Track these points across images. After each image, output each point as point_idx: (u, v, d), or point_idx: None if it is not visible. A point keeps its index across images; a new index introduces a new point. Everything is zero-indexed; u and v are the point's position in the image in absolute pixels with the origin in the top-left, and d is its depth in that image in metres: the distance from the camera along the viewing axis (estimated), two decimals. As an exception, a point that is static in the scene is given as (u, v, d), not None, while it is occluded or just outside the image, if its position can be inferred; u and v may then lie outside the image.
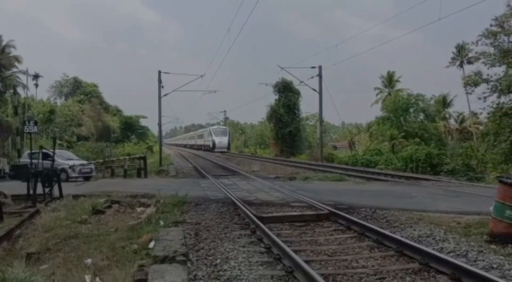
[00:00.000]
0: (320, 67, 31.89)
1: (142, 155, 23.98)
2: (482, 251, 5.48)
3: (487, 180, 18.15)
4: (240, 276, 4.72)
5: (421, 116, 44.26)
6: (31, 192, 11.62)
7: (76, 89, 59.10)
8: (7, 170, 20.74)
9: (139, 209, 9.66)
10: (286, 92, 44.00)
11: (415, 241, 6.02)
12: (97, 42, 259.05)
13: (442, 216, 8.05)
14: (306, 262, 4.92)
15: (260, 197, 11.17)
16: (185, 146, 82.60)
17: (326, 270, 4.97)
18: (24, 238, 8.22)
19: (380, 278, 4.65)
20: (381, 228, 6.85)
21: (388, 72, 52.70)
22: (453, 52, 47.56)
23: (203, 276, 4.74)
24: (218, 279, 4.66)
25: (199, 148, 62.87)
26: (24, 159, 19.42)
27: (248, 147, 65.61)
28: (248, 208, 8.68)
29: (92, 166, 21.14)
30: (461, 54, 45.95)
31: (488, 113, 24.44)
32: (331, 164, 30.16)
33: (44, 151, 13.97)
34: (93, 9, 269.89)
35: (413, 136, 38.44)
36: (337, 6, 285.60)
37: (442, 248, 5.74)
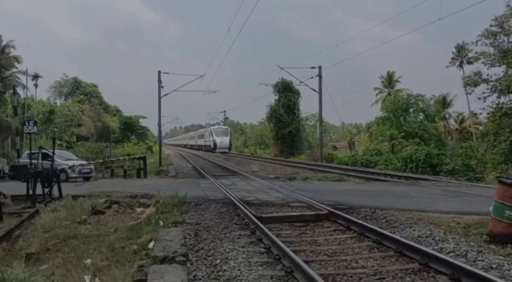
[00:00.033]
0: (319, 67, 31.94)
1: (142, 155, 23.96)
2: (481, 251, 5.48)
3: (486, 180, 18.15)
4: (239, 276, 4.72)
5: (421, 116, 44.24)
6: (31, 192, 11.61)
7: (76, 89, 59.05)
8: (6, 170, 20.74)
9: (138, 209, 9.66)
10: (286, 92, 44.01)
11: (414, 241, 6.02)
12: (97, 42, 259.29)
13: (441, 216, 8.05)
14: (306, 262, 4.92)
15: (259, 197, 11.17)
16: (185, 146, 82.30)
17: (326, 270, 4.97)
18: (23, 238, 8.22)
19: (379, 278, 4.65)
20: (380, 228, 6.85)
21: (388, 72, 52.80)
22: (453, 52, 47.70)
23: (202, 277, 4.74)
24: (218, 280, 4.66)
25: (200, 148, 62.46)
26: (24, 159, 19.43)
27: (247, 147, 65.57)
28: (248, 208, 8.68)
29: (92, 166, 21.14)
30: (461, 54, 46.01)
31: (488, 114, 24.46)
32: (331, 164, 30.16)
33: (43, 151, 13.98)
34: (93, 9, 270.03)
35: (413, 137, 38.43)
36: (337, 6, 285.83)
37: (441, 248, 5.75)
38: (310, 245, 6.23)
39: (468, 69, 37.53)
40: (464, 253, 5.44)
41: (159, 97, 31.31)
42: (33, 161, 13.25)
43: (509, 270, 4.73)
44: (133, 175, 22.00)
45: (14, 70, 41.20)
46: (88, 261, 5.97)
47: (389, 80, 51.91)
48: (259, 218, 7.56)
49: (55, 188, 12.16)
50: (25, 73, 41.51)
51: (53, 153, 13.36)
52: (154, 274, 4.50)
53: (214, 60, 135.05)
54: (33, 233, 8.42)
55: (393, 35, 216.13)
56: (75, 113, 49.79)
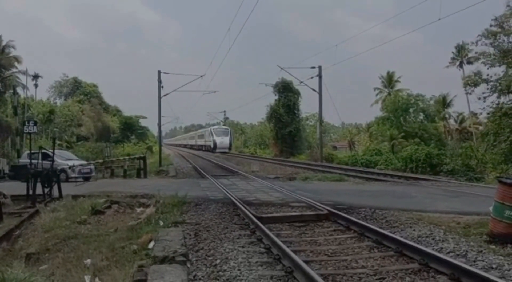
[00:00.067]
0: (319, 67, 31.95)
1: (142, 155, 23.96)
2: (481, 251, 5.48)
3: (486, 180, 18.15)
4: (239, 276, 4.72)
5: (421, 116, 44.25)
6: (31, 192, 11.61)
7: (76, 89, 59.05)
8: (6, 170, 20.75)
9: (138, 209, 9.66)
10: (286, 92, 44.01)
11: (414, 241, 6.02)
12: (97, 42, 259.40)
13: (441, 216, 8.05)
14: (306, 262, 4.93)
15: (259, 197, 11.17)
16: (185, 146, 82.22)
17: (326, 270, 4.97)
18: (23, 238, 8.22)
19: (379, 278, 4.65)
20: (380, 228, 6.85)
21: (388, 72, 52.81)
22: (453, 52, 47.71)
23: (202, 277, 4.74)
24: (218, 280, 4.66)
25: (200, 148, 62.31)
26: (24, 159, 19.43)
27: (247, 147, 65.56)
28: (248, 208, 8.68)
29: (92, 166, 21.14)
30: (461, 54, 46.00)
31: (488, 114, 24.46)
32: (331, 164, 30.16)
33: (43, 151, 13.97)
34: (93, 9, 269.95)
35: (413, 137, 38.43)
36: (337, 6, 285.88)
37: (441, 248, 5.75)
38: (310, 245, 6.23)
39: (468, 69, 37.59)
40: (464, 253, 5.44)
41: (159, 97, 31.33)
42: (33, 161, 13.25)
43: (509, 270, 4.73)
44: (133, 175, 22.00)
45: (14, 70, 41.22)
46: (88, 261, 5.97)
47: (389, 80, 51.91)
48: (259, 218, 7.56)
49: (55, 188, 12.15)
50: (25, 73, 41.56)
51: (53, 153, 13.36)
52: (154, 274, 4.50)
53: (214, 60, 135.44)
54: (33, 233, 8.42)
55: (393, 35, 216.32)
56: (75, 113, 49.79)
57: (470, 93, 26.42)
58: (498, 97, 23.30)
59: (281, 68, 33.37)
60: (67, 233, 7.74)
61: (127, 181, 18.52)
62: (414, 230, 6.91)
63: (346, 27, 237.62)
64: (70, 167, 18.65)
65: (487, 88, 23.51)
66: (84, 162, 21.56)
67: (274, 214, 8.58)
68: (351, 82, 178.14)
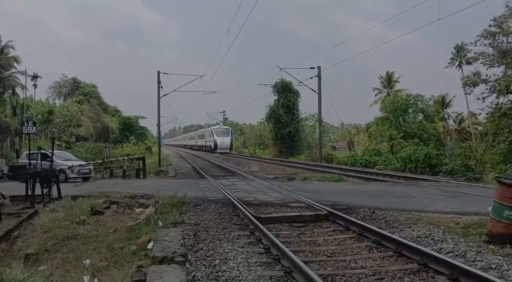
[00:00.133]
0: (319, 67, 31.96)
1: (141, 156, 23.95)
2: (480, 252, 5.48)
3: (485, 180, 18.16)
4: (239, 276, 4.72)
5: (420, 116, 44.27)
6: (30, 192, 11.60)
7: (75, 89, 58.99)
8: (5, 171, 20.74)
9: (138, 210, 9.65)
10: (285, 92, 44.03)
11: (413, 242, 6.02)
12: (96, 42, 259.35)
13: (440, 217, 8.05)
14: (305, 262, 4.92)
15: (259, 198, 11.17)
16: (184, 146, 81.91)
17: (325, 271, 4.97)
18: (22, 239, 8.21)
19: (379, 279, 4.65)
20: (380, 228, 6.86)
21: (387, 72, 52.78)
22: (452, 52, 47.69)
23: (201, 277, 4.74)
24: (217, 280, 4.66)
25: (200, 148, 61.97)
26: (23, 160, 19.41)
27: (247, 147, 65.55)
28: (247, 209, 8.68)
29: (91, 167, 21.12)
30: (460, 55, 46.01)
31: (487, 114, 24.50)
32: (330, 164, 30.15)
33: (42, 151, 13.97)
34: (93, 9, 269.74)
35: (412, 137, 38.47)
36: (337, 6, 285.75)
37: (440, 248, 5.75)
38: (309, 245, 6.23)
39: (467, 69, 37.58)
40: (463, 253, 5.45)
41: (158, 98, 31.30)
42: (32, 161, 13.23)
43: (508, 270, 4.73)
44: (132, 175, 21.97)
45: (13, 70, 41.18)
46: (87, 261, 5.96)
47: (388, 81, 51.93)
48: (258, 218, 7.56)
49: (54, 188, 12.14)
50: (24, 73, 41.51)
51: (52, 153, 13.34)
52: (153, 275, 4.50)
53: (214, 60, 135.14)
54: (32, 233, 8.41)
55: (393, 35, 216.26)
56: (74, 113, 49.75)
57: (469, 94, 26.48)
58: (497, 97, 23.38)
59: (281, 69, 33.41)
60: (66, 234, 7.73)
61: (126, 181, 18.51)
62: (413, 230, 6.91)
63: (346, 27, 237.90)
64: (69, 167, 18.63)
65: (486, 89, 23.59)
66: (83, 162, 21.55)
67: (273, 214, 8.57)
68: (350, 82, 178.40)
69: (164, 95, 31.99)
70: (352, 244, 6.28)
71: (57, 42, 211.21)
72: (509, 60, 22.50)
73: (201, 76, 31.78)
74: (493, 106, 23.39)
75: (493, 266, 4.91)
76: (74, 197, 11.37)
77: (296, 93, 44.64)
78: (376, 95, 53.47)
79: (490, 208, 6.37)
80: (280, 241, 5.82)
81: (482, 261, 5.10)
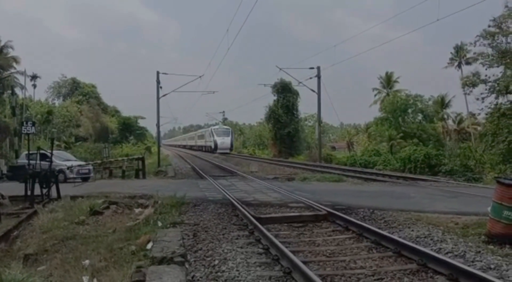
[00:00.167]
0: (318, 68, 31.97)
1: (140, 156, 23.94)
2: (480, 252, 5.49)
3: (485, 181, 18.17)
4: (238, 277, 4.72)
5: (420, 117, 44.34)
6: (29, 193, 11.58)
7: (75, 90, 58.94)
8: (5, 171, 20.71)
9: (137, 210, 9.64)
10: (285, 93, 44.04)
11: (413, 242, 6.02)
12: (96, 42, 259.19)
13: (440, 217, 8.05)
14: (304, 262, 4.92)
15: (258, 198, 11.16)
16: (184, 146, 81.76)
17: (324, 271, 4.97)
18: (21, 239, 8.20)
19: (378, 279, 4.65)
20: (379, 228, 6.86)
21: (387, 72, 52.80)
22: (451, 53, 47.71)
23: (201, 277, 4.74)
24: (216, 280, 4.66)
25: (200, 148, 61.73)
26: (22, 160, 19.39)
27: (246, 148, 65.53)
28: (246, 209, 8.68)
29: (90, 167, 21.11)
30: (459, 55, 46.01)
31: (486, 114, 24.53)
32: (330, 165, 30.18)
33: (42, 151, 13.94)
34: (92, 9, 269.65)
35: (412, 137, 38.52)
36: (337, 6, 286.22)
37: (440, 248, 5.75)
38: (309, 245, 6.23)
39: (467, 69, 37.63)
40: (462, 254, 5.45)
41: (158, 98, 31.29)
42: (31, 161, 13.22)
43: (507, 271, 4.74)
44: (131, 175, 21.96)
45: (12, 70, 41.17)
46: (86, 262, 5.96)
47: (388, 81, 51.95)
48: (257, 219, 7.56)
49: (53, 188, 12.12)
50: (23, 73, 41.53)
51: (51, 154, 13.33)
52: (152, 275, 4.50)
53: (213, 60, 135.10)
54: (31, 233, 8.40)
55: (392, 35, 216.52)
56: (73, 114, 49.74)
57: (469, 94, 26.44)
58: (496, 97, 23.39)
59: (280, 69, 33.41)
60: (65, 234, 7.72)
61: (125, 182, 18.49)
62: (412, 230, 6.92)
63: (345, 27, 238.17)
64: (68, 168, 18.62)
65: (486, 89, 23.61)
66: (82, 163, 21.54)
67: (273, 215, 8.57)
68: (350, 82, 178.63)
69: (164, 95, 32.03)
70: (351, 244, 6.28)
71: (57, 42, 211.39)
72: (508, 60, 22.52)
73: (200, 77, 31.79)
74: (492, 106, 23.41)
75: (492, 266, 4.91)
76: (73, 197, 11.35)
77: (296, 94, 44.67)
78: (375, 95, 53.57)
79: (489, 208, 6.38)
80: (280, 241, 5.82)
81: (481, 261, 5.11)
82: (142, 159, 22.54)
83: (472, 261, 5.12)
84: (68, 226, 8.31)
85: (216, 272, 4.90)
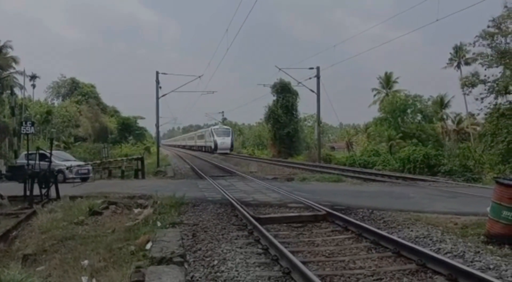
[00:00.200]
0: (318, 68, 31.98)
1: (140, 156, 23.93)
2: (479, 252, 5.49)
3: (484, 181, 18.19)
4: (237, 277, 4.72)
5: (419, 117, 44.39)
6: (28, 193, 11.57)
7: (74, 90, 58.85)
8: (4, 171, 20.66)
9: (136, 210, 9.64)
10: (284, 93, 44.05)
11: (412, 242, 6.03)
12: (96, 42, 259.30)
13: (439, 217, 8.06)
14: (303, 263, 4.92)
15: (257, 198, 11.16)
16: (184, 146, 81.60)
17: (324, 271, 4.97)
18: (20, 239, 8.18)
19: (377, 279, 4.65)
20: (378, 228, 6.86)
21: (386, 73, 52.83)
22: (450, 53, 47.76)
23: (200, 278, 4.73)
24: (216, 280, 4.66)
25: (199, 149, 61.50)
26: (21, 160, 19.36)
27: (246, 148, 65.53)
28: (246, 209, 8.68)
29: (89, 167, 21.09)
30: (458, 55, 46.06)
31: (485, 114, 24.57)
32: (329, 165, 30.18)
33: (41, 152, 13.93)
34: (92, 9, 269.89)
35: (411, 137, 38.55)
36: (337, 6, 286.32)
37: (439, 248, 5.76)
38: (308, 245, 6.23)
39: (466, 70, 37.71)
40: (461, 254, 5.45)
41: (157, 98, 31.30)
42: (30, 161, 13.20)
43: (506, 271, 4.74)
44: (131, 175, 21.96)
45: (11, 70, 41.13)
46: (86, 262, 5.95)
47: (387, 81, 51.98)
48: (257, 219, 7.56)
49: (53, 188, 12.11)
50: (22, 73, 41.49)
51: (51, 154, 13.32)
52: (152, 275, 4.49)
53: (213, 60, 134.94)
54: (30, 234, 8.39)
55: (392, 36, 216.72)
56: (72, 114, 49.67)
57: (468, 94, 26.46)
58: (496, 98, 23.42)
59: (280, 69, 33.40)
60: (64, 234, 7.71)
61: (124, 182, 18.48)
62: (411, 230, 6.92)
63: (345, 27, 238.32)
64: (67, 168, 18.61)
65: (485, 89, 23.63)
66: (81, 163, 21.52)
67: (272, 215, 8.57)
68: (349, 83, 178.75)
69: (163, 95, 32.05)
70: (350, 244, 6.28)
71: (57, 42, 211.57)
72: (507, 60, 22.55)
73: (200, 77, 31.79)
74: (492, 106, 23.43)
75: (491, 266, 4.92)
76: (73, 197, 11.33)
77: (295, 94, 44.68)
78: (374, 95, 53.57)
79: (488, 209, 6.38)
80: (279, 242, 5.82)
81: (480, 261, 5.11)
82: (141, 159, 22.55)
83: (471, 261, 5.13)
84: (67, 226, 8.30)
85: (215, 272, 4.90)
